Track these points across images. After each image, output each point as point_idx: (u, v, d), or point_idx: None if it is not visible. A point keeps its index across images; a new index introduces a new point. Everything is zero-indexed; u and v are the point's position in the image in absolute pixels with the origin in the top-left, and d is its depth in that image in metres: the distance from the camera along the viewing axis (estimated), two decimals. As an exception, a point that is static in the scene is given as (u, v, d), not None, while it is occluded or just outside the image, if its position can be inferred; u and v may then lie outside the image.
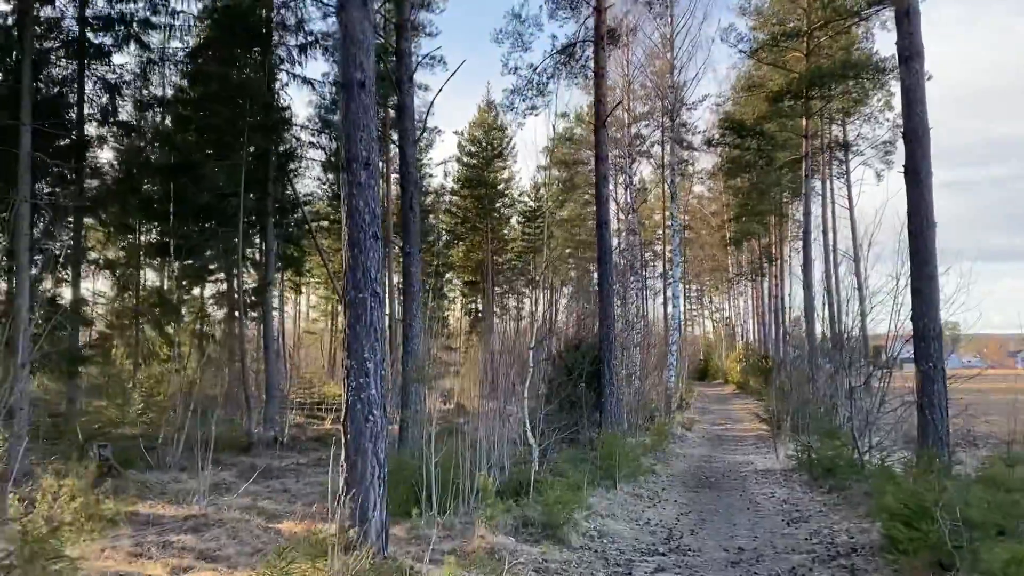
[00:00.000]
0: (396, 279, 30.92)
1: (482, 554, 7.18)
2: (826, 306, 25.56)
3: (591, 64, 15.90)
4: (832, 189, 31.91)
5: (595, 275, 18.50)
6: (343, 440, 6.71)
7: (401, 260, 13.10)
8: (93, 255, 30.01)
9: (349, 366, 6.69)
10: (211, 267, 23.21)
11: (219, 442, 17.20)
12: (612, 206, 43.41)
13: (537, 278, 48.77)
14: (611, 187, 40.03)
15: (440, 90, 20.61)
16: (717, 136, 25.48)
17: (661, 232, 45.84)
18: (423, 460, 8.80)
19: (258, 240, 28.93)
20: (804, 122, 24.16)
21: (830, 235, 29.80)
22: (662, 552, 8.30)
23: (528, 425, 11.16)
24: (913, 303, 10.93)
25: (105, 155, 19.86)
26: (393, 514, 8.70)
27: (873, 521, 9.18)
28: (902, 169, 11.09)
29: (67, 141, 17.48)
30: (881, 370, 12.66)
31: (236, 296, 19.15)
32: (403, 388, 12.99)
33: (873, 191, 49.61)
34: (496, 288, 46.13)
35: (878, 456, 12.42)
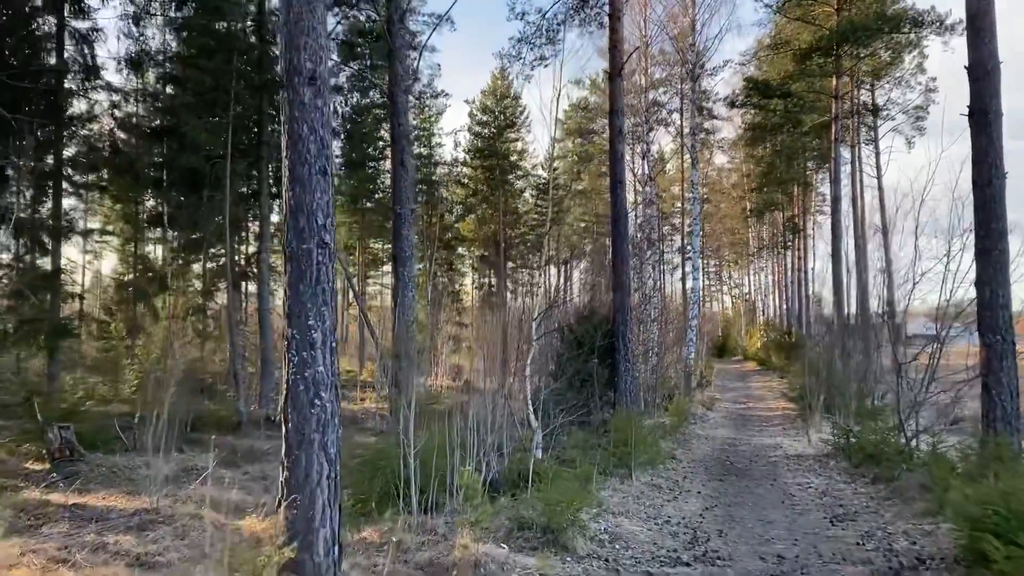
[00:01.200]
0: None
1: (465, 569, 5.76)
2: (854, 279, 23.99)
3: (606, 7, 14.23)
4: (860, 157, 30.01)
5: (610, 243, 17.01)
6: (283, 430, 5.28)
7: (392, 222, 11.73)
8: (94, 224, 29.03)
9: (291, 337, 5.23)
10: (211, 239, 21.90)
11: (206, 421, 16.03)
12: (628, 176, 41.83)
13: (551, 252, 47.30)
14: (627, 148, 38.36)
15: (432, 32, 18.94)
16: (741, 98, 23.66)
17: (680, 205, 44.15)
18: (405, 448, 7.37)
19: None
20: (834, 82, 22.35)
21: (858, 205, 27.96)
22: (686, 561, 6.83)
23: (531, 406, 9.70)
24: (977, 266, 9.34)
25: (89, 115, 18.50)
26: (366, 514, 7.31)
27: (936, 522, 7.69)
28: (965, 111, 9.45)
29: (45, 102, 16.20)
30: (934, 344, 11.06)
31: (227, 266, 17.71)
32: (394, 364, 11.55)
33: (901, 164, 47.51)
34: (509, 263, 44.64)
35: (928, 441, 10.89)
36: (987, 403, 9.14)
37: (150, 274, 22.89)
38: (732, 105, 24.45)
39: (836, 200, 22.62)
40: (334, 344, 5.34)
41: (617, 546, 7.18)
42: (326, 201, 5.30)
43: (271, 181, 18.97)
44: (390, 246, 28.22)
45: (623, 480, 10.11)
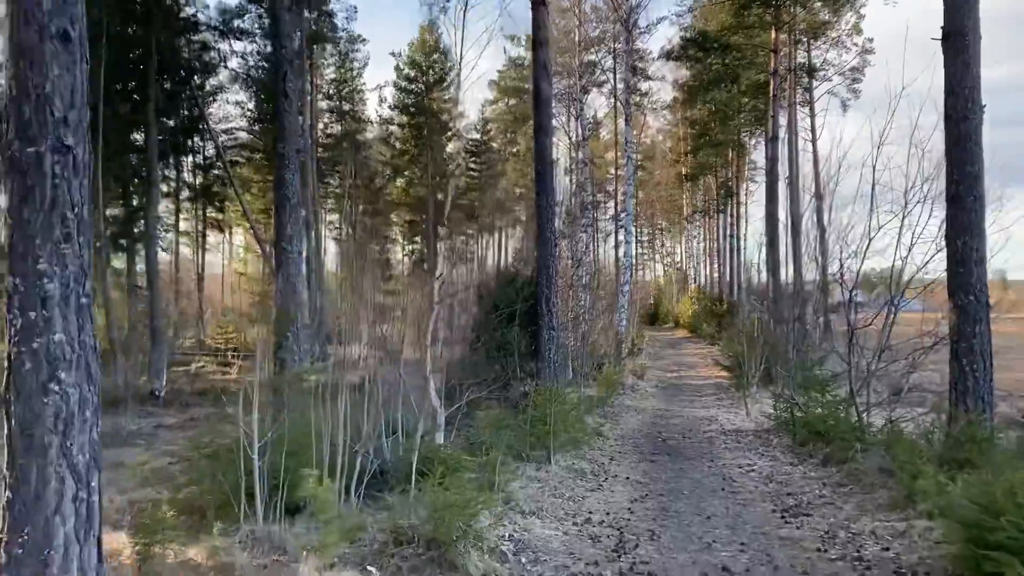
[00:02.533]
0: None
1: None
2: (790, 244, 22.92)
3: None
4: (795, 120, 28.92)
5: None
6: (6, 427, 3.46)
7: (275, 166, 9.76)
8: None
9: (12, 288, 3.41)
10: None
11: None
12: (563, 140, 40.18)
13: (484, 217, 45.54)
14: (560, 111, 36.59)
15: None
16: (678, 50, 22.13)
17: (614, 172, 42.78)
18: (246, 440, 5.60)
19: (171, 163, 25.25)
20: (773, 34, 20.99)
21: (794, 167, 26.85)
22: (608, 581, 5.27)
23: (431, 380, 7.99)
24: (948, 214, 7.98)
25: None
26: (204, 527, 5.54)
27: (907, 518, 6.31)
28: (939, 34, 8.01)
29: None
30: (890, 309, 9.73)
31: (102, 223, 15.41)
32: (276, 333, 9.71)
33: (833, 134, 46.87)
34: (441, 229, 42.71)
35: (884, 417, 9.62)
36: (957, 374, 7.85)
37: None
38: (669, 58, 22.99)
39: (773, 160, 21.40)
40: (84, 300, 3.52)
41: (523, 560, 5.57)
42: (69, 83, 3.46)
43: (156, 107, 16.62)
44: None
45: (540, 465, 8.53)
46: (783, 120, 26.74)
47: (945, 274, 8.78)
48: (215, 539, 5.01)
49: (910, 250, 9.71)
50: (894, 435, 8.63)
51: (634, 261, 30.07)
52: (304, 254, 9.85)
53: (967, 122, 7.71)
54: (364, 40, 31.17)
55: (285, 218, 9.59)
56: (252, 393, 5.40)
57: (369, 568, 4.97)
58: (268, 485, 5.57)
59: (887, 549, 5.71)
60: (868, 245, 9.81)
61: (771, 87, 21.20)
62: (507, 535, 5.99)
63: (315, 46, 28.78)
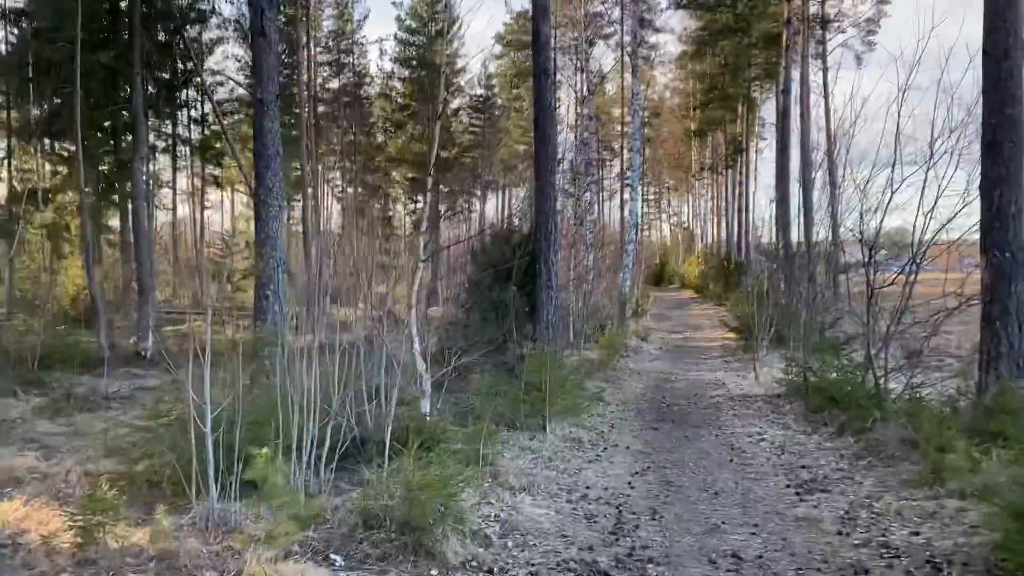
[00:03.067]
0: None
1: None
2: (801, 202, 22.09)
3: None
4: (808, 73, 27.84)
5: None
6: None
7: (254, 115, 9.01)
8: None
9: None
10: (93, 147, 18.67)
11: (60, 357, 13.32)
12: (567, 95, 39.07)
13: (487, 175, 44.66)
14: (565, 62, 35.50)
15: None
16: (687, -3, 21.10)
17: (620, 129, 41.74)
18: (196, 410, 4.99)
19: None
20: (788, -19, 19.94)
21: (807, 123, 25.86)
22: (604, 570, 4.67)
23: (417, 343, 7.36)
24: (984, 163, 7.24)
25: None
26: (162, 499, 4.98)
27: (938, 497, 5.72)
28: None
29: None
30: (911, 268, 9.02)
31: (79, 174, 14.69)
32: (256, 291, 9.08)
33: (845, 88, 45.58)
34: (442, 187, 41.88)
35: (902, 383, 8.99)
36: (989, 337, 7.19)
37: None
38: (679, 6, 21.90)
39: (785, 113, 20.52)
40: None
41: (509, 544, 4.99)
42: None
43: (142, 70, 15.83)
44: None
45: (535, 435, 7.94)
46: (796, 73, 25.73)
47: (970, 233, 8.14)
48: (161, 522, 4.42)
49: (934, 204, 8.99)
50: (916, 403, 8.01)
51: (640, 220, 29.25)
52: (283, 208, 9.14)
53: (1008, 60, 6.94)
54: None
55: (264, 169, 8.90)
56: (203, 357, 4.77)
57: (333, 556, 4.39)
58: (226, 460, 4.98)
59: (916, 533, 5.10)
60: (890, 199, 9.07)
61: (784, 37, 20.23)
62: (493, 515, 5.40)
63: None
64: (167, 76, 21.60)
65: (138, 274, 16.36)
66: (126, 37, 16.16)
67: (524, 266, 11.26)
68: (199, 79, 22.93)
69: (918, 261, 9.24)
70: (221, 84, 30.21)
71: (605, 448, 7.97)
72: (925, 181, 9.15)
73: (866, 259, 9.16)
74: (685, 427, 9.27)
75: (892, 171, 8.88)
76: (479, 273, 11.49)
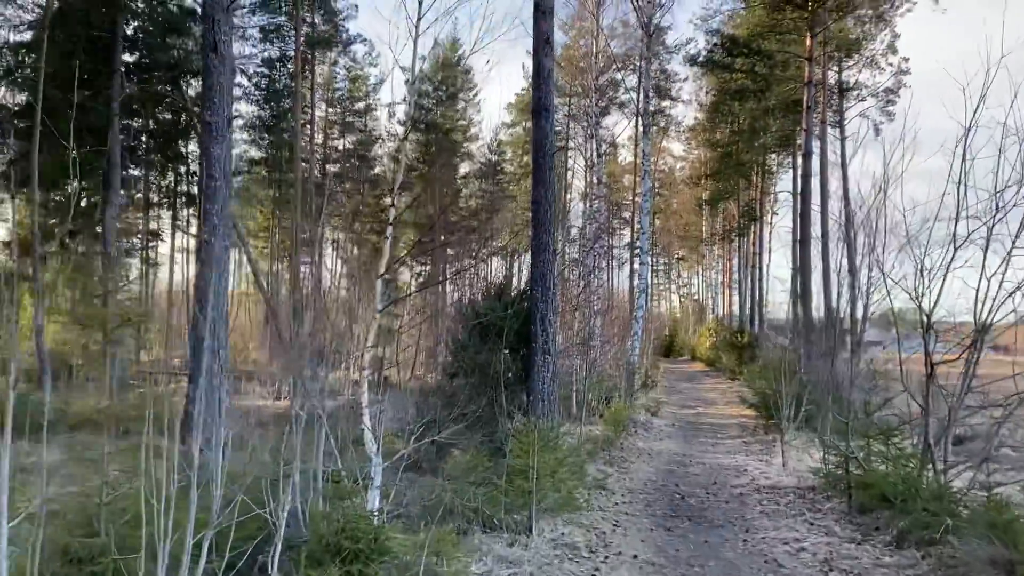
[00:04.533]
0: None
1: None
2: (819, 277, 20.46)
3: None
4: (826, 142, 26.64)
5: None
6: None
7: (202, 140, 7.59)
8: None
9: None
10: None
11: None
12: (578, 163, 38.04)
13: (494, 240, 43.44)
14: (577, 129, 34.55)
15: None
16: (706, 54, 19.97)
17: (631, 199, 40.69)
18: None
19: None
20: (808, 42, 18.79)
21: (825, 192, 24.48)
22: None
23: (367, 418, 5.70)
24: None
25: None
26: None
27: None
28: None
29: None
30: (977, 344, 7.34)
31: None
32: (193, 351, 7.49)
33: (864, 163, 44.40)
34: (449, 251, 40.61)
35: (965, 478, 7.25)
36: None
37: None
38: (694, 63, 20.77)
39: (805, 177, 19.10)
40: None
41: None
42: None
43: (119, 111, 14.60)
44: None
45: (516, 538, 6.18)
46: (815, 144, 24.47)
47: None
48: None
49: (1006, 265, 7.39)
50: (997, 509, 6.25)
51: (649, 285, 27.74)
52: (229, 249, 7.61)
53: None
54: (364, 39, 29.01)
55: (209, 204, 7.44)
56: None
57: None
58: None
59: None
60: (953, 256, 7.47)
61: (805, 98, 18.97)
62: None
63: (316, 50, 26.93)
64: (160, 126, 20.57)
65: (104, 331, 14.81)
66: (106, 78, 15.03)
67: (518, 327, 9.65)
68: (193, 123, 21.89)
69: (985, 333, 7.59)
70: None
71: (606, 558, 6.19)
72: (988, 238, 7.64)
73: (925, 328, 7.51)
74: (705, 527, 7.49)
75: (955, 225, 7.32)
76: (467, 334, 9.88)
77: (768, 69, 19.58)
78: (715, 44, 19.38)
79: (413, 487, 6.84)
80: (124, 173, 22.51)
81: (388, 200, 10.61)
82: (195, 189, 28.35)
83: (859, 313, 13.73)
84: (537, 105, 9.59)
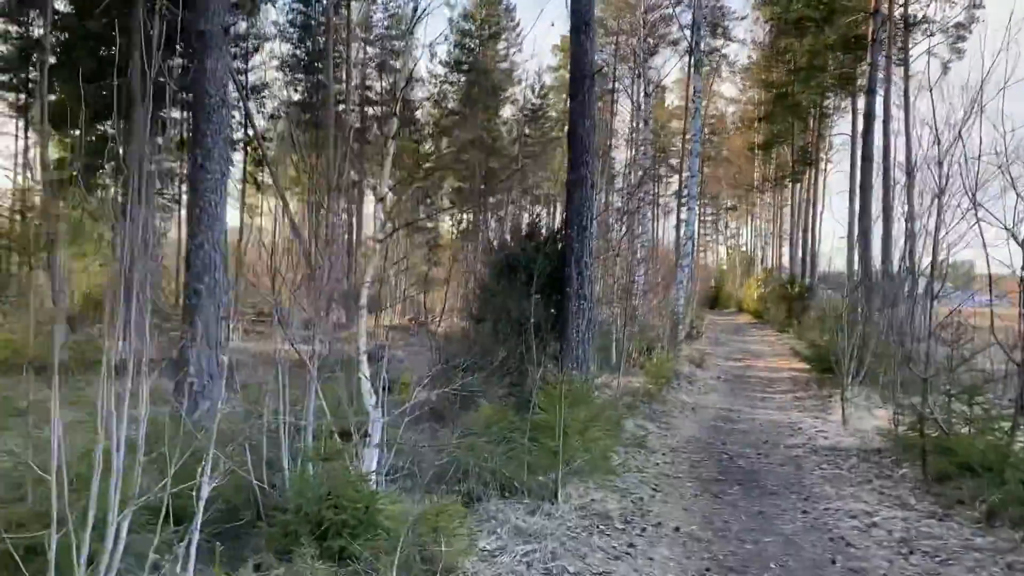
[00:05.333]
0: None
1: None
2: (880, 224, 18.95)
3: None
4: (891, 82, 24.70)
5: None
6: None
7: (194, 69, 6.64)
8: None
9: None
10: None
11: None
12: (625, 106, 36.42)
13: (536, 189, 42.32)
14: (624, 71, 32.96)
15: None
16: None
17: (679, 143, 39.01)
18: None
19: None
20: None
21: (889, 136, 22.67)
22: None
23: (365, 367, 4.86)
24: None
25: None
26: None
27: None
28: None
29: None
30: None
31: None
32: (186, 287, 6.71)
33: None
34: (491, 198, 39.59)
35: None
36: None
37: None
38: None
39: (869, 117, 17.55)
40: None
41: None
42: None
43: (142, 36, 13.78)
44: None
45: (539, 505, 5.32)
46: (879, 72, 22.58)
47: None
48: None
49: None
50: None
51: (696, 231, 26.47)
52: (227, 175, 6.77)
53: None
54: None
55: (204, 123, 6.60)
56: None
57: None
58: None
59: None
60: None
61: (871, 30, 17.32)
62: None
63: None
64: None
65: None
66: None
67: (550, 271, 8.70)
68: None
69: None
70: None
71: (643, 530, 5.31)
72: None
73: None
74: (758, 494, 6.55)
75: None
76: (494, 277, 8.98)
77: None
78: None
79: (426, 444, 6.02)
80: (161, 113, 21.89)
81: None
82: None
83: (927, 261, 12.53)
84: (576, 19, 8.48)
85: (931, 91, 18.03)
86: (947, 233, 12.15)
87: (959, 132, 7.95)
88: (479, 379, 8.35)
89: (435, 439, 6.21)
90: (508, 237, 9.67)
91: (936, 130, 12.29)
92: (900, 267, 13.24)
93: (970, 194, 7.88)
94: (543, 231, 9.13)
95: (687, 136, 23.02)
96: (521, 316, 8.53)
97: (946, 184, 9.39)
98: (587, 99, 8.46)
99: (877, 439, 8.31)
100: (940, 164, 12.66)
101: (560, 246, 8.82)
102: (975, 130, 16.03)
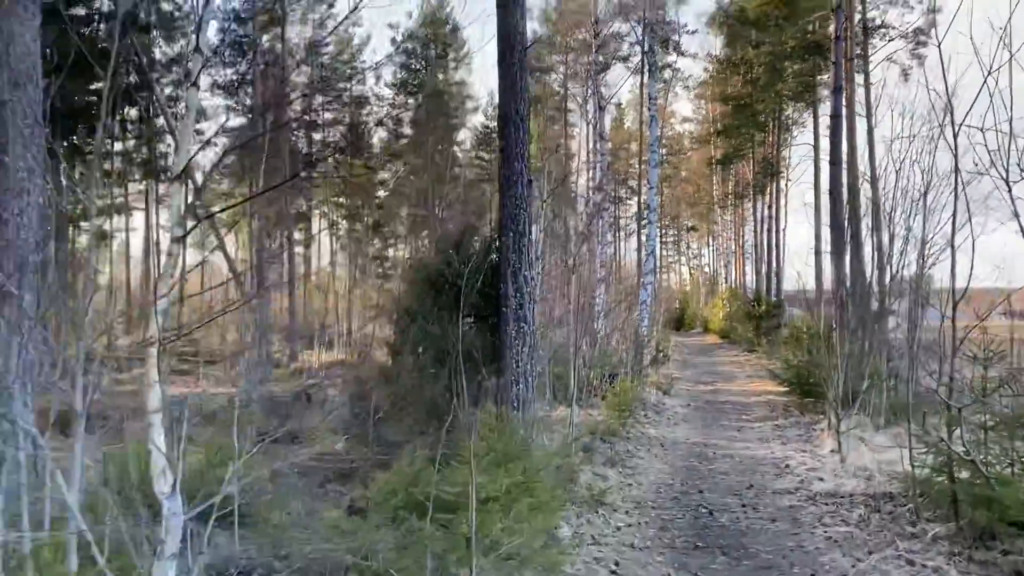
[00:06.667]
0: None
1: None
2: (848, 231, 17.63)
3: None
4: (853, 86, 23.68)
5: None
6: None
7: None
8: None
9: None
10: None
11: None
12: (580, 128, 35.15)
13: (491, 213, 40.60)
14: (576, 90, 31.78)
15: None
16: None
17: (637, 165, 37.84)
18: None
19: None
20: (836, -41, 15.92)
21: (854, 140, 21.49)
22: None
23: (157, 431, 3.16)
24: None
25: None
26: None
27: None
28: None
29: None
30: None
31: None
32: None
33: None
34: (449, 225, 37.83)
35: None
36: None
37: None
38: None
39: (836, 118, 16.23)
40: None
41: None
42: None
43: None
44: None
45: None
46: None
47: None
48: None
49: None
50: None
51: (658, 247, 25.12)
52: (35, 210, 4.95)
53: None
54: None
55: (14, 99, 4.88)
56: None
57: None
58: None
59: None
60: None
61: (834, 26, 16.12)
62: None
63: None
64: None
65: None
66: None
67: (481, 288, 7.04)
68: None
69: None
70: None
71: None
72: None
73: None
74: (749, 569, 4.91)
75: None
76: (415, 298, 7.29)
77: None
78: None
79: (295, 526, 4.29)
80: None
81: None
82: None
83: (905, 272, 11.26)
84: (502, -17, 6.92)
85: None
86: (933, 238, 10.86)
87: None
88: (403, 425, 6.67)
89: (310, 517, 4.47)
90: (431, 250, 7.98)
91: (872, 156, 11.00)
92: (895, 275, 11.84)
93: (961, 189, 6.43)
94: (476, 240, 7.43)
95: (645, 146, 21.69)
96: (449, 345, 6.85)
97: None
98: (519, 77, 6.88)
99: (885, 481, 6.73)
100: (874, 189, 11.39)
101: (495, 258, 7.18)
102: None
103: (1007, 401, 5.81)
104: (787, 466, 8.23)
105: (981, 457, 5.31)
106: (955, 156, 5.22)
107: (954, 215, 5.64)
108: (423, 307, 7.07)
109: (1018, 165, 4.33)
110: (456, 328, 6.73)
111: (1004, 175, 4.50)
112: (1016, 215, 4.55)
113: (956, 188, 5.59)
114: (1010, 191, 4.55)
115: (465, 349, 6.92)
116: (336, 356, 19.90)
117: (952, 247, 5.63)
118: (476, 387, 7.29)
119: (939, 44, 5.17)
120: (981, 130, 4.80)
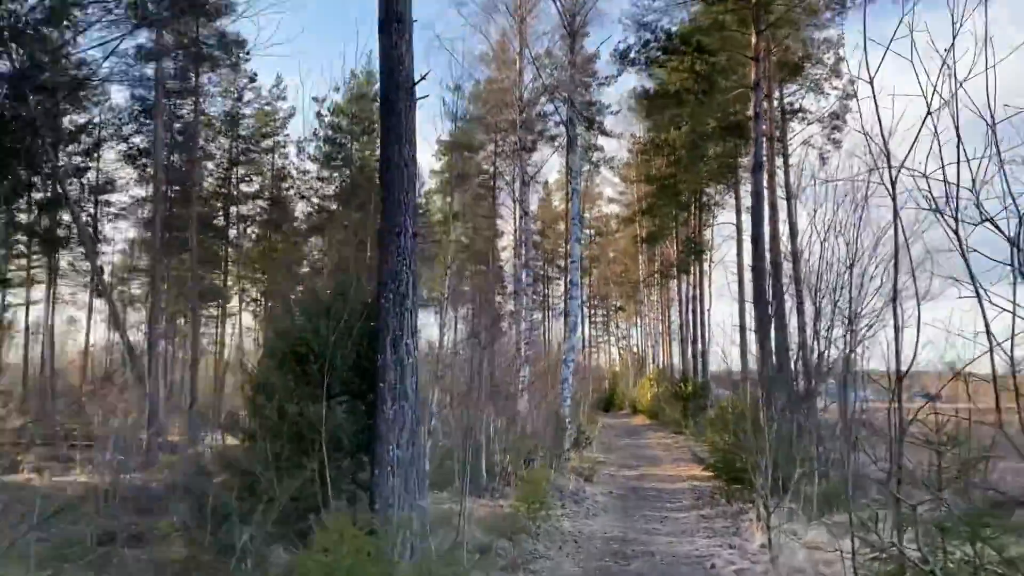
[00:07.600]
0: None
1: None
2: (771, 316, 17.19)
3: None
4: (774, 165, 23.85)
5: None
6: None
7: None
8: None
9: None
10: None
11: None
12: (507, 208, 34.72)
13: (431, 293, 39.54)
14: (504, 168, 31.55)
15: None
16: (636, 50, 16.85)
17: (565, 246, 37.52)
18: None
19: None
20: (753, 40, 15.91)
21: (776, 223, 21.37)
22: None
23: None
24: None
25: None
26: None
27: None
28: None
29: None
30: None
31: None
32: None
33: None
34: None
35: None
36: None
37: None
38: (625, 59, 17.55)
39: (758, 195, 15.87)
40: None
41: None
42: None
43: None
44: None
45: None
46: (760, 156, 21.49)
47: None
48: None
49: None
50: None
51: (585, 330, 24.28)
52: None
53: None
54: (247, 56, 25.04)
55: None
56: None
57: None
58: None
59: None
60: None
61: (753, 103, 15.98)
62: None
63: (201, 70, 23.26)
64: None
65: None
66: None
67: (354, 360, 5.89)
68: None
69: None
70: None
71: None
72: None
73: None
74: None
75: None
76: (273, 371, 6.07)
77: (710, 67, 16.60)
78: (648, 40, 16.33)
79: None
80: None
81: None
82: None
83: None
84: (385, 12, 6.04)
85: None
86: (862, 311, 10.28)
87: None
88: (255, 528, 5.37)
89: None
90: (292, 312, 6.77)
91: (793, 238, 10.59)
92: (822, 352, 11.15)
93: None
94: (347, 302, 6.27)
95: (567, 219, 21.10)
96: (309, 429, 5.62)
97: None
98: (404, 119, 5.94)
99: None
100: (795, 269, 10.95)
101: (371, 324, 6.05)
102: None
103: (959, 496, 4.90)
104: (713, 566, 7.14)
105: (940, 565, 4.34)
106: (893, 198, 4.42)
107: (896, 262, 4.81)
108: (284, 383, 5.85)
109: (976, 205, 3.52)
110: (319, 407, 5.53)
111: (953, 214, 3.69)
112: (969, 271, 3.73)
113: (896, 236, 4.79)
114: (957, 234, 3.74)
115: (334, 434, 5.72)
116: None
117: (895, 310, 4.76)
118: (351, 479, 6.06)
119: (871, 80, 4.37)
120: (925, 176, 3.99)
